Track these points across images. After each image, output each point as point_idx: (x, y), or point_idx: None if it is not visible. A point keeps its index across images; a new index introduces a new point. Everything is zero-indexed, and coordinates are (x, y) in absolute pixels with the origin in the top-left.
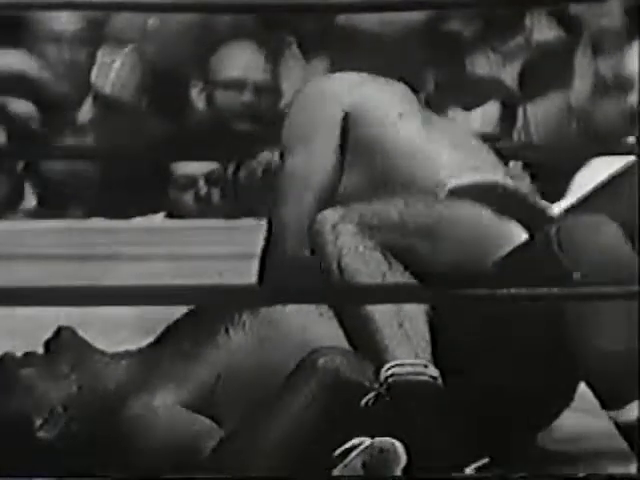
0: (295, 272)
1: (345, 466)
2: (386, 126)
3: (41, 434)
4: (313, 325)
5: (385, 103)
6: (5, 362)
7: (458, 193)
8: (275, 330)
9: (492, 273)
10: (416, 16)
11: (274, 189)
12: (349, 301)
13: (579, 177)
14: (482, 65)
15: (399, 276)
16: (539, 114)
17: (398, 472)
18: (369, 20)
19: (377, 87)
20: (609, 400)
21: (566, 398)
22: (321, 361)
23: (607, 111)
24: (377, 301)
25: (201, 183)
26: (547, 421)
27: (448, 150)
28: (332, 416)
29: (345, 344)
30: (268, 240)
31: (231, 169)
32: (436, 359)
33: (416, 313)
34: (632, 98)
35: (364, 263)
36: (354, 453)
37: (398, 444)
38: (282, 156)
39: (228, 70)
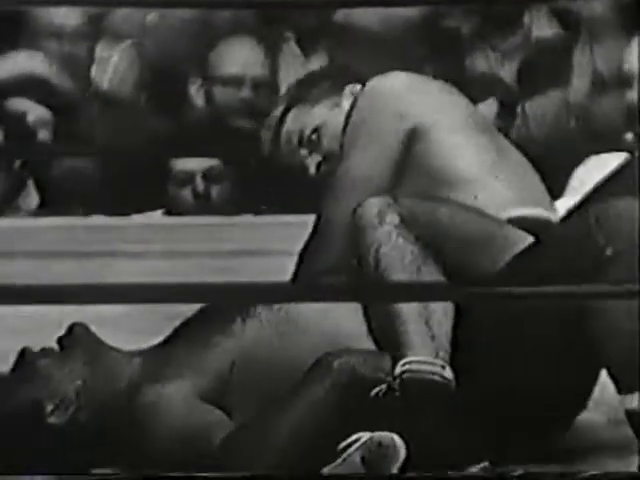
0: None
1: (344, 460)
2: (446, 146)
3: (52, 420)
4: (333, 321)
5: (449, 119)
6: (25, 355)
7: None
8: (294, 325)
9: (507, 273)
10: (414, 12)
11: (327, 184)
12: (377, 299)
13: (577, 174)
14: (481, 62)
15: (432, 272)
16: (538, 111)
17: (397, 467)
18: (367, 16)
19: (443, 101)
20: (624, 384)
21: (584, 396)
22: (336, 363)
23: (605, 108)
24: (404, 299)
25: (198, 180)
26: (568, 420)
27: (506, 179)
28: (345, 412)
29: (366, 340)
30: (312, 236)
31: (279, 111)
32: (452, 359)
33: (444, 312)
34: (631, 95)
35: (401, 256)
36: (353, 448)
37: (397, 439)
38: (341, 152)
39: (227, 66)
